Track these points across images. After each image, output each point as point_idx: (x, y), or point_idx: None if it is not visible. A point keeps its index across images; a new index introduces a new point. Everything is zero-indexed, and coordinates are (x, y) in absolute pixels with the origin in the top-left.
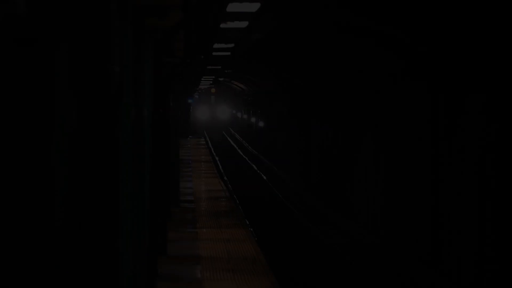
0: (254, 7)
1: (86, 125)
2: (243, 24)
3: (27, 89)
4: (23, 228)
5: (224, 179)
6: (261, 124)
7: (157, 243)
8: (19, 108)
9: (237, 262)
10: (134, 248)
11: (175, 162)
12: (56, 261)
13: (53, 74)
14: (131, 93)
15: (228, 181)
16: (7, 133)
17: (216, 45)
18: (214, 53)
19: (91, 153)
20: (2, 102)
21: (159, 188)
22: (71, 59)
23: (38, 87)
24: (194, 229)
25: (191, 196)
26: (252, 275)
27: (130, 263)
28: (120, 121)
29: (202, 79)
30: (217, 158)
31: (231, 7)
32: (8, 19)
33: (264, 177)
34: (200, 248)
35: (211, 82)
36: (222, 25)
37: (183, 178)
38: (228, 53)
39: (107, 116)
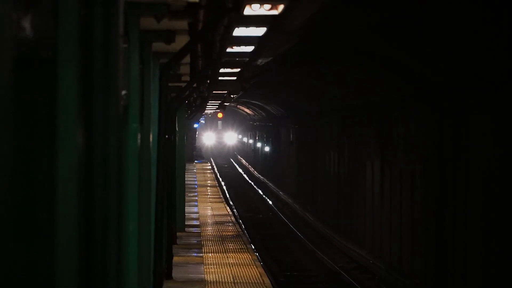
0: (260, 31)
1: (90, 148)
2: (249, 48)
3: (32, 110)
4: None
5: (229, 204)
6: (267, 150)
7: (162, 267)
8: (25, 127)
9: (242, 287)
10: (139, 272)
11: (180, 186)
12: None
13: (58, 96)
14: (137, 117)
15: (234, 207)
16: (10, 154)
17: (222, 70)
18: (220, 78)
19: (94, 176)
20: (9, 123)
21: (164, 212)
22: (77, 81)
23: (43, 109)
24: (199, 253)
25: (197, 220)
26: None
27: (136, 287)
28: (124, 145)
29: (208, 103)
30: (223, 183)
31: (238, 32)
32: (15, 41)
33: (270, 202)
34: (205, 273)
35: (217, 107)
36: (229, 50)
37: (188, 202)
38: (234, 78)
39: (112, 140)
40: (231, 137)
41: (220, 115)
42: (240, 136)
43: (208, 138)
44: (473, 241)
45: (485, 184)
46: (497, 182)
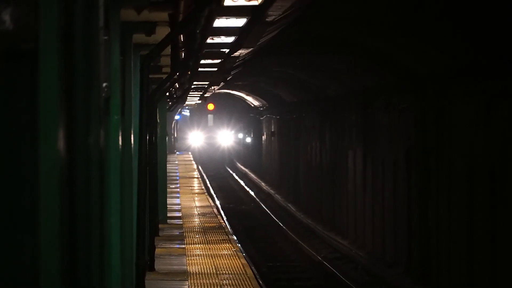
0: (241, 22)
1: (72, 141)
2: (230, 39)
3: (13, 103)
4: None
5: (211, 195)
6: (249, 141)
7: (145, 259)
8: (5, 121)
9: (225, 277)
10: (122, 264)
11: (162, 178)
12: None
13: (39, 89)
14: (119, 109)
15: (216, 198)
16: None
17: (203, 61)
18: (201, 69)
19: (77, 170)
20: None
21: (147, 204)
22: (58, 73)
23: (23, 102)
24: (182, 245)
25: (179, 212)
26: None
27: (118, 279)
28: (106, 138)
29: (189, 95)
30: (205, 175)
31: (218, 23)
32: None
33: (252, 193)
34: (188, 264)
35: (199, 98)
36: (209, 41)
37: (170, 194)
38: (215, 69)
39: (94, 132)
40: (227, 136)
41: (211, 106)
42: (243, 135)
43: (194, 138)
44: (457, 229)
45: (469, 173)
46: (481, 171)
